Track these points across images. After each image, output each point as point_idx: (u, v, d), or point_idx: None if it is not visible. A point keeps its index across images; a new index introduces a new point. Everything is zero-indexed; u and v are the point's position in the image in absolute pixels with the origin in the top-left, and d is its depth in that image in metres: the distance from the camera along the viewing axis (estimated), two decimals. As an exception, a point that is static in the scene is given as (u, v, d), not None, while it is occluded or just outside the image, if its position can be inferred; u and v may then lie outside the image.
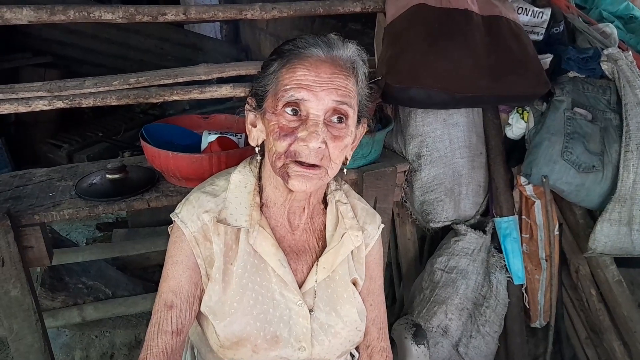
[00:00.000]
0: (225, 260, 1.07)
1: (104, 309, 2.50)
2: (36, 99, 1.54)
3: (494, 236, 2.03)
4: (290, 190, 1.05)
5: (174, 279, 1.06)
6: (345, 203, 1.19)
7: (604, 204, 1.77)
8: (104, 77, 1.60)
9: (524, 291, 2.07)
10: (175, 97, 1.66)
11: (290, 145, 0.97)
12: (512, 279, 2.02)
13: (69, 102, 1.57)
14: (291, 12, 1.74)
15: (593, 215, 1.94)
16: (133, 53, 5.76)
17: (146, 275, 2.99)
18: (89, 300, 2.52)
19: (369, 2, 1.82)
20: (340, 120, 0.99)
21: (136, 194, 1.60)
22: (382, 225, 1.26)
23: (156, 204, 1.60)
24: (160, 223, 3.25)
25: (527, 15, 1.94)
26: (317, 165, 0.98)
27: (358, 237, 1.17)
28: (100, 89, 1.59)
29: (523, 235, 2.05)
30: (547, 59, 1.85)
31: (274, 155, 0.99)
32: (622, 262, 1.98)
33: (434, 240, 2.16)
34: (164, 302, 1.05)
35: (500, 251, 2.02)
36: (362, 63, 1.04)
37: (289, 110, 0.97)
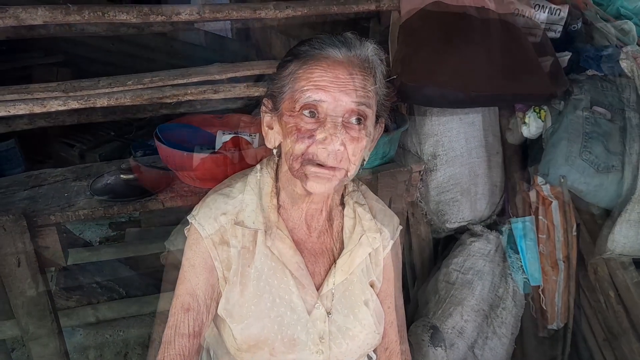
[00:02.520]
0: (242, 263, 1.06)
1: (118, 309, 2.50)
2: (51, 99, 1.53)
3: (510, 237, 2.01)
4: (309, 192, 1.04)
5: (191, 281, 1.05)
6: (363, 204, 1.18)
7: (623, 204, 1.74)
8: (118, 77, 1.60)
9: (540, 292, 2.05)
10: (189, 97, 1.66)
11: (308, 147, 0.95)
12: (528, 280, 1.99)
13: (84, 102, 1.56)
14: (305, 11, 1.73)
15: (611, 216, 1.90)
16: (143, 51, 5.77)
17: (159, 275, 2.99)
18: (103, 300, 2.53)
19: (383, 0, 1.80)
20: (358, 121, 0.97)
21: (150, 194, 1.59)
22: (400, 227, 1.24)
23: (171, 204, 1.59)
24: (172, 222, 3.25)
25: (544, 12, 1.92)
26: (335, 167, 0.97)
27: (376, 239, 1.15)
28: (115, 89, 1.59)
29: (540, 235, 2.02)
30: (565, 57, 1.83)
31: (291, 157, 0.98)
32: (642, 263, 1.94)
33: (448, 240, 2.14)
34: (181, 304, 1.04)
35: (516, 252, 2.00)
36: (379, 62, 1.02)
37: (306, 112, 0.95)
